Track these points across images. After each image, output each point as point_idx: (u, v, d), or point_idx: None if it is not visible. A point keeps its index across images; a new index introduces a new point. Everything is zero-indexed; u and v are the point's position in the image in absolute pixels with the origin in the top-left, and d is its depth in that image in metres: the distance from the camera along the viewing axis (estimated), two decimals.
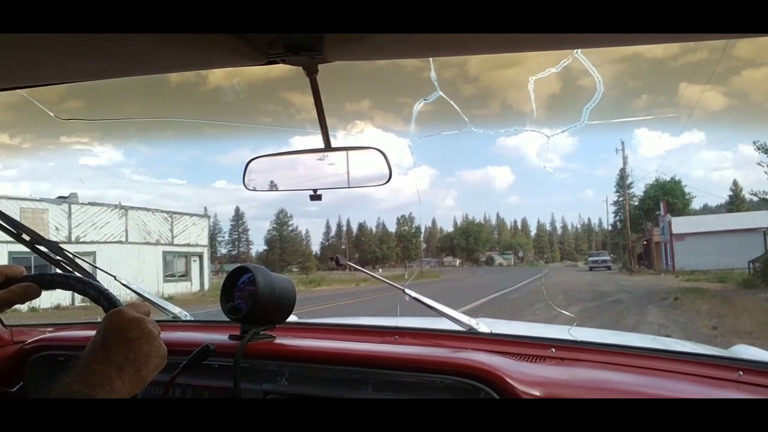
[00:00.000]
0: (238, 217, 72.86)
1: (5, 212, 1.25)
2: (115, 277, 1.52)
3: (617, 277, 24.76)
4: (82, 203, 20.11)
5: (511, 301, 14.28)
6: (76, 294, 0.90)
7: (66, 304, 16.40)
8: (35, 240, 1.25)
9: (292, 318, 1.35)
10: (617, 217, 47.45)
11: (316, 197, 1.29)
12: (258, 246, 71.15)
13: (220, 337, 1.22)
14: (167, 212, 23.67)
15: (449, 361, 1.02)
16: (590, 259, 43.26)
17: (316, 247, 79.72)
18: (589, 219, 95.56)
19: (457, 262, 78.60)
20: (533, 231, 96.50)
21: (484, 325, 1.28)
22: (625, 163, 38.06)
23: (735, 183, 57.95)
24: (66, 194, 20.60)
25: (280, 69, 1.04)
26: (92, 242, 19.52)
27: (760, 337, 7.22)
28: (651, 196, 40.22)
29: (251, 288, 1.19)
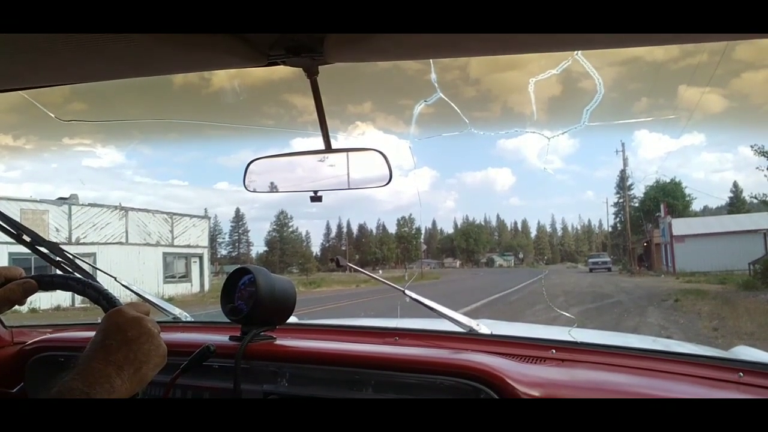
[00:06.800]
0: (238, 218, 73.03)
1: (6, 213, 1.25)
2: (115, 278, 1.52)
3: (617, 279, 24.72)
4: (82, 204, 20.11)
5: (511, 302, 14.24)
6: (76, 295, 0.91)
7: (66, 305, 16.39)
8: (35, 241, 1.25)
9: (292, 319, 1.35)
10: (617, 219, 47.51)
11: (316, 199, 1.29)
12: (258, 247, 71.31)
13: (221, 338, 1.22)
14: (167, 213, 23.64)
15: (449, 363, 1.02)
16: (590, 260, 43.18)
17: (316, 249, 79.90)
18: (589, 220, 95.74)
19: (458, 263, 78.56)
20: (533, 232, 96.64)
21: (484, 327, 1.28)
22: (625, 164, 38.15)
23: (735, 185, 58.10)
24: (68, 196, 20.62)
25: (282, 71, 1.04)
26: (92, 243, 19.50)
27: (761, 339, 7.21)
28: (651, 197, 40.23)
29: (252, 289, 1.19)
